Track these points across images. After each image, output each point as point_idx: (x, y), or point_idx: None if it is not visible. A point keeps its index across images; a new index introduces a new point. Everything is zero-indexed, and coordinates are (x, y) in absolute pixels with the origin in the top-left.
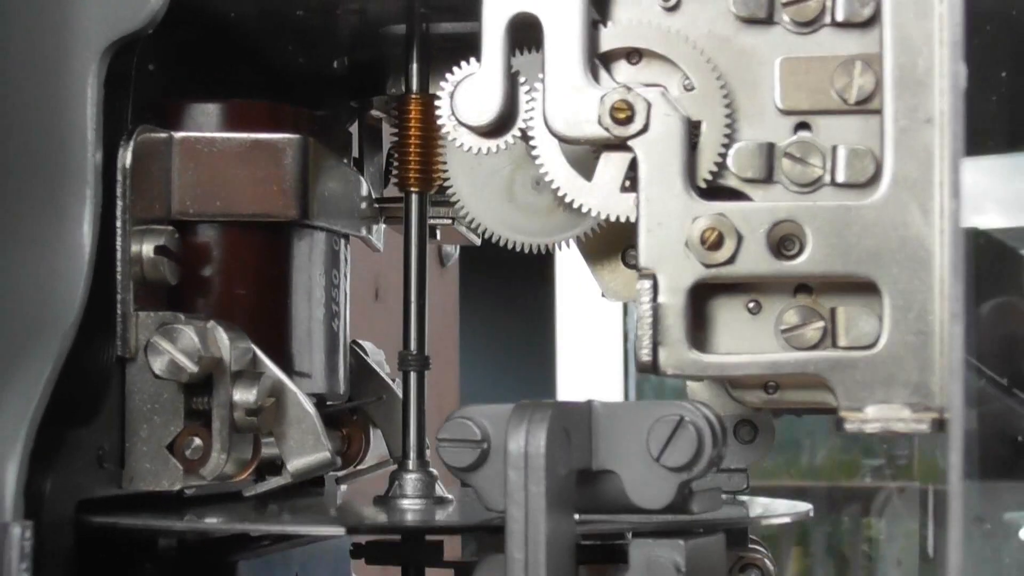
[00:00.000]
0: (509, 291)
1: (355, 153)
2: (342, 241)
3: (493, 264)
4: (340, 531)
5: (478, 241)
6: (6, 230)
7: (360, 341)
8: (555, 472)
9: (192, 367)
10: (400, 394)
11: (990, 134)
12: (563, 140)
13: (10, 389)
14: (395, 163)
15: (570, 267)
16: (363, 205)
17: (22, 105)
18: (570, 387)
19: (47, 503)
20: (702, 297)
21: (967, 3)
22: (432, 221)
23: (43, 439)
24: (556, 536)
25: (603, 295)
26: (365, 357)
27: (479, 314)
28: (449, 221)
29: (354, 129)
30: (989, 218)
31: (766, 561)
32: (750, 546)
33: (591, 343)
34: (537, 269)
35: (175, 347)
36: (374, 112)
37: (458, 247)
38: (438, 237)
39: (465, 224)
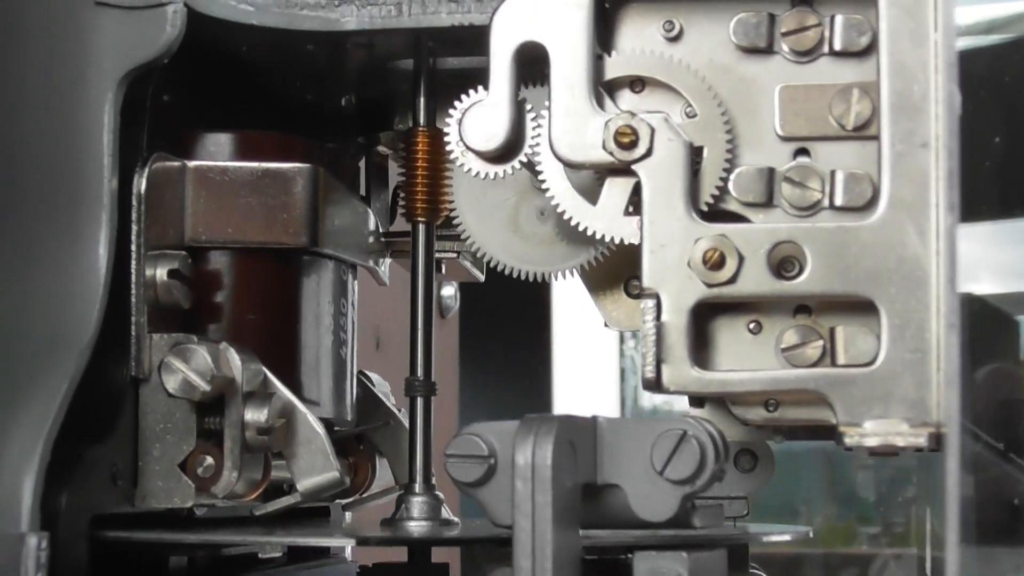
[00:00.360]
0: (507, 330)
1: (362, 191)
2: (350, 271)
3: (491, 302)
4: (350, 542)
5: (482, 277)
6: (25, 252)
7: (367, 372)
8: (561, 483)
9: (205, 386)
10: (405, 423)
11: (984, 200)
12: (568, 165)
13: (28, 405)
14: (402, 195)
15: (566, 299)
16: (370, 238)
17: (41, 130)
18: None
19: (62, 517)
20: (704, 318)
21: (962, 63)
22: (438, 255)
23: (59, 455)
24: (562, 548)
25: (606, 324)
26: (372, 387)
27: (478, 355)
28: (454, 255)
29: (360, 166)
30: (984, 284)
31: None
32: (751, 570)
33: (587, 375)
34: (534, 303)
35: (188, 366)
36: (380, 148)
37: (458, 299)
38: (443, 271)
39: (471, 254)
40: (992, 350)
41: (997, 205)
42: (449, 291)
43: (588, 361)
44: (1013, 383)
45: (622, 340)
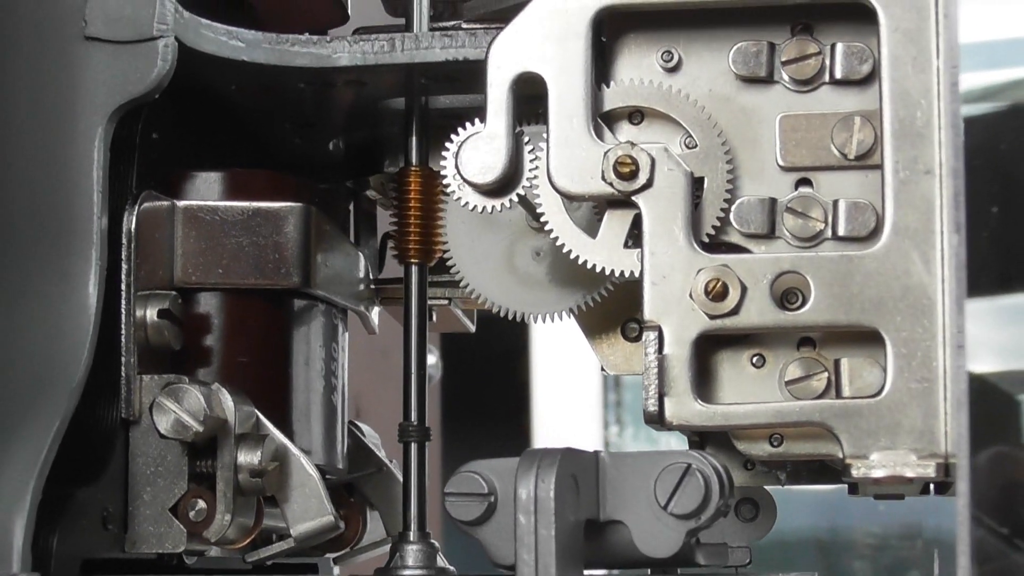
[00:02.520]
0: (488, 380)
1: (351, 237)
2: (341, 316)
3: (473, 353)
4: None
5: (472, 327)
6: (13, 290)
7: (357, 422)
8: (565, 517)
9: (198, 426)
10: (397, 474)
11: (982, 274)
12: (567, 196)
13: (18, 445)
14: (394, 237)
15: (547, 347)
16: (361, 285)
17: (29, 165)
18: None
19: (55, 559)
20: (706, 352)
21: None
22: (429, 302)
23: (48, 497)
24: None
25: (603, 369)
26: (362, 437)
27: (464, 427)
28: (446, 301)
29: (349, 210)
30: (984, 363)
31: None
32: None
33: (569, 422)
34: (514, 352)
35: (181, 407)
36: (369, 193)
37: (440, 369)
38: (434, 319)
39: (461, 302)
40: (993, 432)
41: (995, 278)
42: (431, 360)
43: (570, 408)
44: (1016, 466)
45: (605, 388)
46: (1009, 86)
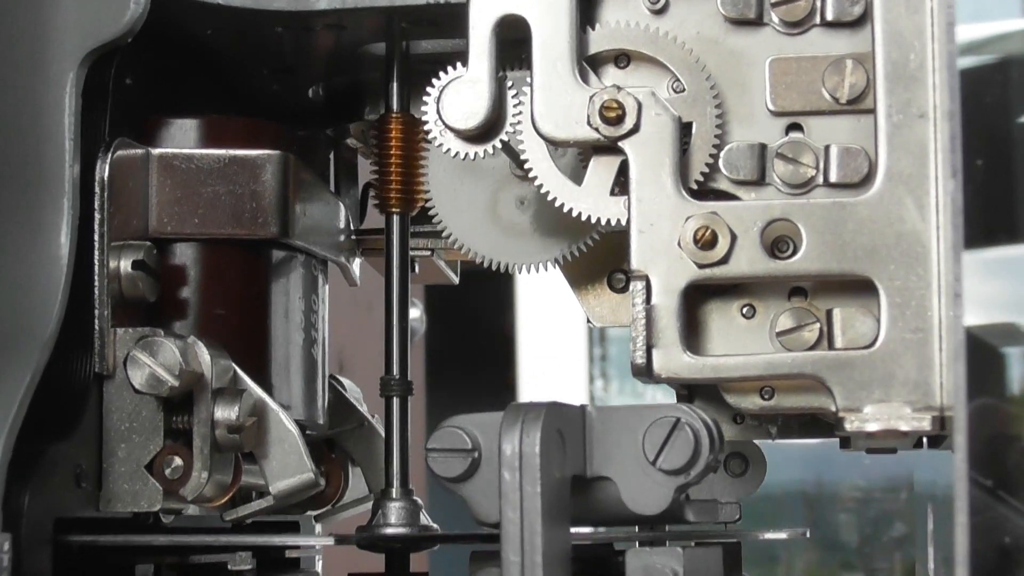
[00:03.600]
0: (472, 334)
1: (331, 186)
2: (321, 267)
3: (457, 305)
4: (328, 541)
5: (455, 279)
6: None
7: (338, 376)
8: (550, 473)
9: (173, 381)
10: (379, 429)
11: (966, 228)
12: (552, 142)
13: None
14: (375, 186)
15: (532, 300)
16: (341, 235)
17: None
18: None
19: (25, 519)
20: (695, 303)
21: None
22: (411, 253)
23: (20, 454)
24: (552, 542)
25: (588, 321)
26: (343, 391)
27: (448, 382)
28: (428, 253)
29: (329, 159)
30: (968, 316)
31: None
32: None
33: (554, 378)
34: (499, 305)
35: (156, 360)
36: (350, 141)
37: (424, 323)
38: (416, 270)
39: (444, 251)
40: (978, 385)
41: (980, 231)
42: (415, 313)
43: (555, 363)
44: (1001, 419)
45: (591, 342)
46: (993, 40)
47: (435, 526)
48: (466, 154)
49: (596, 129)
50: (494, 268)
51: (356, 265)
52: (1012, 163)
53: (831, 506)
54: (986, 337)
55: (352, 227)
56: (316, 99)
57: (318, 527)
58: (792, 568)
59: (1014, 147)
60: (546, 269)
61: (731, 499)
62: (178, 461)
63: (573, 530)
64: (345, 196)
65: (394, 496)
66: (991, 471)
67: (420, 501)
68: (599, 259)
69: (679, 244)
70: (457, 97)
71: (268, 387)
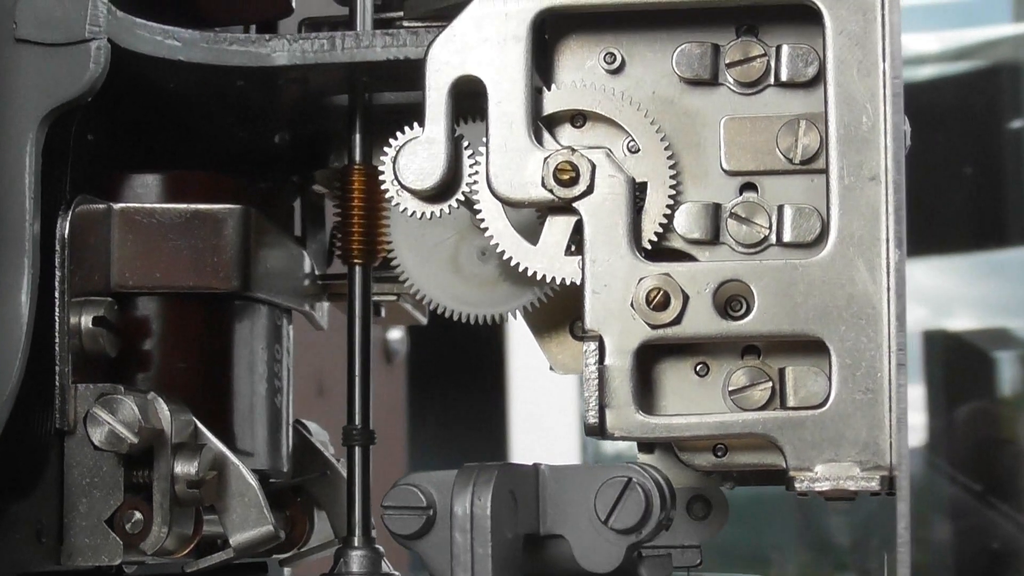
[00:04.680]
0: (459, 373)
1: (298, 231)
2: (285, 316)
3: (442, 343)
4: None
5: (424, 320)
6: None
7: (304, 420)
8: (501, 534)
9: (132, 438)
10: (344, 473)
11: (955, 232)
12: (507, 203)
13: None
14: (338, 237)
15: (522, 340)
16: (306, 281)
17: None
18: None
19: None
20: (649, 360)
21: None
22: (377, 297)
23: None
24: None
25: (551, 368)
26: (309, 436)
27: (430, 406)
28: (394, 297)
29: (296, 206)
30: (959, 320)
31: None
32: None
33: (545, 420)
34: (488, 345)
35: (115, 418)
36: (316, 188)
37: (406, 344)
38: (382, 314)
39: (411, 297)
40: (968, 388)
41: (970, 236)
42: (396, 335)
43: (546, 405)
44: (992, 422)
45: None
46: (983, 46)
47: (397, 574)
48: (423, 213)
49: (550, 190)
50: (455, 319)
51: (324, 308)
52: (1001, 168)
53: (822, 507)
54: (977, 341)
55: (317, 272)
56: (283, 144)
57: (288, 571)
58: (785, 568)
59: (1003, 152)
60: (507, 320)
61: (693, 542)
62: (138, 515)
63: None
64: (312, 241)
65: (356, 544)
66: (980, 475)
67: (382, 549)
68: (561, 307)
69: (632, 305)
70: (413, 158)
71: (231, 438)
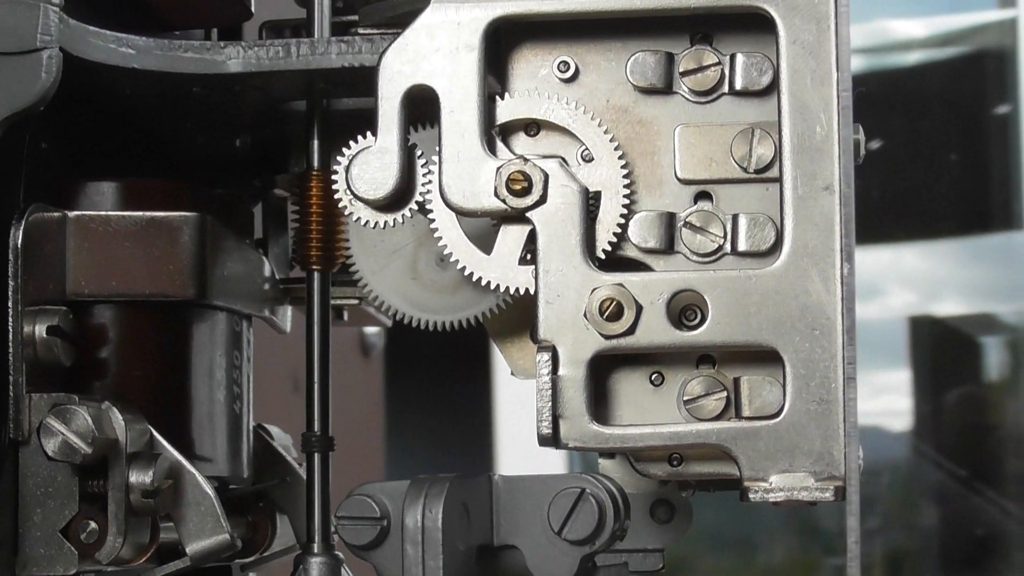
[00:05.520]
0: (442, 373)
1: (260, 234)
2: (244, 322)
3: (423, 344)
4: None
5: (389, 322)
6: None
7: (266, 425)
8: (453, 547)
9: (86, 448)
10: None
11: (941, 218)
12: (460, 213)
13: None
14: (296, 243)
15: None
16: (266, 286)
17: None
18: (511, 466)
19: None
20: (604, 369)
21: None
22: (339, 301)
23: None
24: None
25: (512, 373)
26: (271, 441)
27: (410, 401)
28: (356, 301)
29: (259, 209)
30: (947, 305)
31: None
32: None
33: (532, 419)
34: (472, 339)
35: (68, 428)
36: (278, 191)
37: (383, 337)
38: (345, 318)
39: (370, 303)
40: (955, 374)
41: (955, 222)
42: (373, 328)
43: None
44: (979, 408)
45: None
46: (969, 32)
47: None
48: (376, 223)
49: (503, 200)
50: (415, 325)
51: (287, 312)
52: (987, 154)
53: None
54: (964, 326)
55: (278, 276)
56: (244, 148)
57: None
58: (773, 553)
59: (989, 138)
60: (466, 326)
61: (657, 546)
62: (93, 525)
63: None
64: (274, 245)
65: (315, 551)
66: (966, 461)
67: (341, 556)
68: (521, 312)
69: (585, 315)
70: (366, 167)
71: (189, 446)
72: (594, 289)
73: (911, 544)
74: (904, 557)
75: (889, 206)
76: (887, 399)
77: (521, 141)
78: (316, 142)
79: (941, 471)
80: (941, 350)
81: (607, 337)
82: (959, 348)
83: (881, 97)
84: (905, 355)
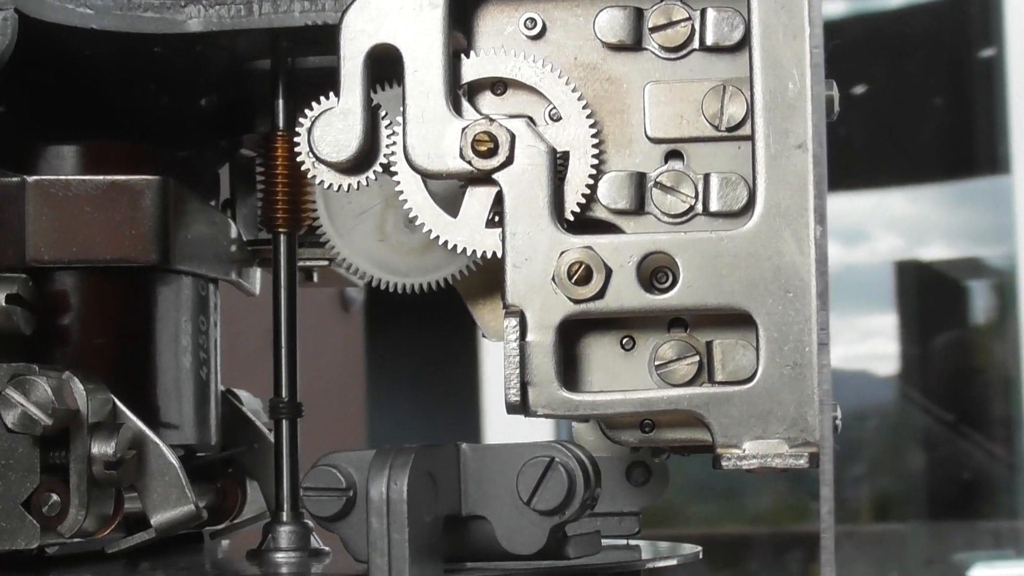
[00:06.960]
0: (424, 327)
1: (228, 195)
2: (210, 286)
3: (404, 298)
4: None
5: (361, 283)
6: None
7: (235, 389)
8: (419, 518)
9: (46, 420)
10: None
11: (926, 163)
12: (425, 175)
13: None
14: (261, 204)
15: None
16: (232, 248)
17: None
18: (500, 427)
19: None
20: (573, 335)
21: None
22: (309, 263)
23: None
24: None
25: (484, 335)
26: (239, 406)
27: (392, 358)
28: (326, 262)
29: (225, 170)
30: (933, 248)
31: None
32: None
33: None
34: (456, 300)
35: (28, 399)
36: (245, 151)
37: (364, 291)
38: (315, 279)
39: (339, 265)
40: (942, 319)
41: (941, 167)
42: None
43: None
44: (963, 353)
45: None
46: None
47: (327, 548)
48: (340, 185)
49: (469, 162)
50: (383, 288)
51: (256, 274)
52: (971, 98)
53: None
54: (950, 271)
55: (245, 239)
56: (210, 108)
57: (224, 543)
58: (760, 499)
59: (973, 82)
60: (436, 288)
61: (633, 508)
62: (55, 498)
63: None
64: (242, 206)
65: (284, 520)
66: (953, 405)
67: (311, 524)
68: (493, 274)
69: (554, 279)
70: (328, 129)
71: (154, 414)
72: (562, 252)
73: (898, 488)
74: (891, 501)
75: (874, 151)
76: (874, 343)
77: (488, 100)
78: (281, 102)
79: (928, 415)
80: (927, 294)
81: (576, 301)
82: (945, 292)
83: (864, 41)
84: (892, 299)
